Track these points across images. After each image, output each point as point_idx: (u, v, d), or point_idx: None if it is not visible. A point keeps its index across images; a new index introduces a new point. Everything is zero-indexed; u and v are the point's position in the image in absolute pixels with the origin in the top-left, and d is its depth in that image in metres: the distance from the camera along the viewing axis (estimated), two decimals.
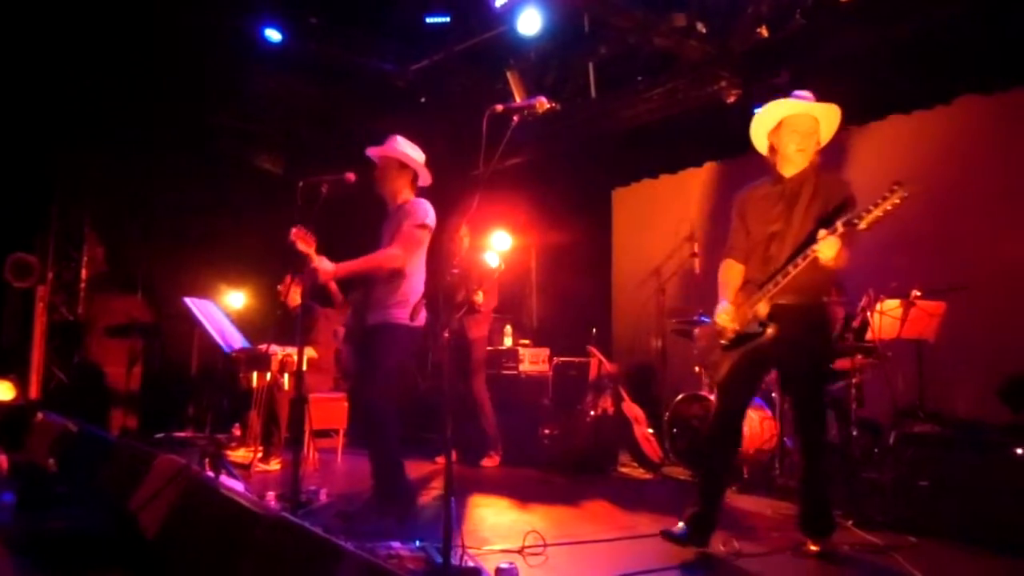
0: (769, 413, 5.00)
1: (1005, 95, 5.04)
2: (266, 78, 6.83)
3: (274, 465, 5.24)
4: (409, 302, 3.56)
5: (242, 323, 5.97)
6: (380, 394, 3.52)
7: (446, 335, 2.81)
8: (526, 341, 6.51)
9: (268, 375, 5.26)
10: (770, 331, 3.08)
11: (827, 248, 2.91)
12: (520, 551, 3.10)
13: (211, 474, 2.87)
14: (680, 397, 5.41)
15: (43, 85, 6.32)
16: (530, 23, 5.63)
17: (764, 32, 5.13)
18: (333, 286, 3.74)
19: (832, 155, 5.69)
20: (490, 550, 3.15)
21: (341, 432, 5.79)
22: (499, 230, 6.51)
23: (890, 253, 5.20)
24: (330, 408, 5.65)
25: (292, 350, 5.06)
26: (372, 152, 3.80)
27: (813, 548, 3.13)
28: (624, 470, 5.53)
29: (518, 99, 6.25)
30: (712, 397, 4.83)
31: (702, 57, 5.53)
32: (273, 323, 6.25)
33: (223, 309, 5.99)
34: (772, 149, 3.26)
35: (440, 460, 5.33)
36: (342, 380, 6.09)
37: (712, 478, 3.26)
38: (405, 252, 3.59)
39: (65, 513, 3.43)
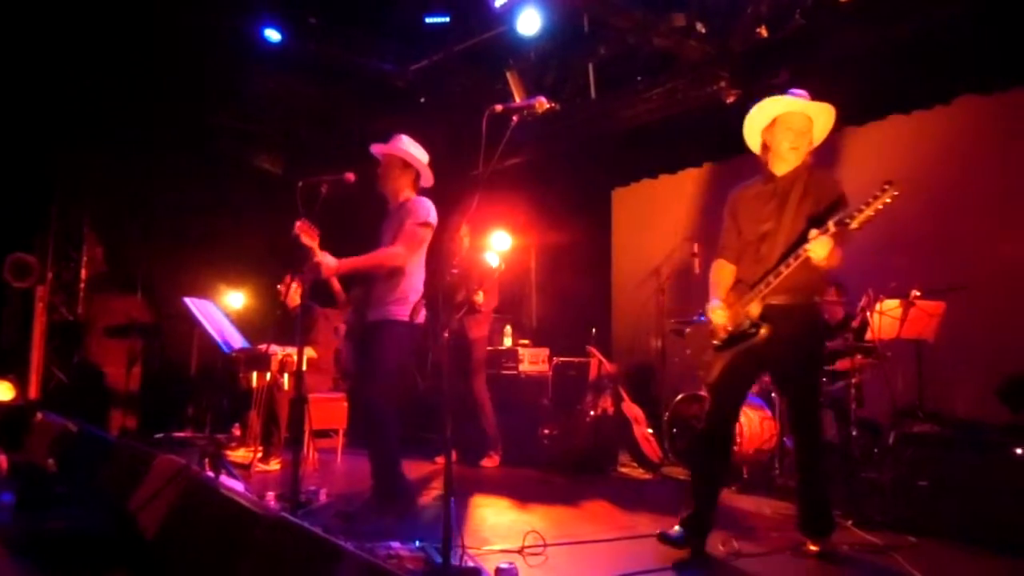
0: (769, 413, 5.00)
1: (1004, 95, 5.05)
2: (266, 78, 6.83)
3: (274, 465, 5.24)
4: (409, 300, 3.56)
5: (242, 323, 5.97)
6: (380, 392, 3.52)
7: (446, 335, 2.81)
8: (526, 341, 6.51)
9: (268, 375, 5.26)
10: (763, 332, 3.07)
11: (819, 248, 2.90)
12: (520, 551, 3.10)
13: (211, 474, 2.87)
14: (680, 397, 5.41)
15: (43, 85, 6.32)
16: (530, 23, 5.63)
17: (764, 32, 5.14)
18: (335, 283, 3.74)
19: (832, 155, 5.73)
20: (490, 550, 3.15)
21: (341, 432, 5.79)
22: (499, 230, 6.51)
23: (890, 253, 5.20)
24: (330, 408, 5.65)
25: (292, 350, 5.06)
26: (376, 149, 3.80)
27: (813, 548, 3.13)
28: (624, 470, 5.53)
29: (518, 99, 6.25)
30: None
31: (702, 57, 5.53)
32: (273, 323, 6.25)
33: (223, 309, 5.99)
34: (765, 147, 3.24)
35: (440, 460, 5.33)
36: (341, 380, 6.09)
37: (707, 479, 3.24)
38: (408, 250, 3.59)
39: (65, 513, 3.43)
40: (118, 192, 7.10)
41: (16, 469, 4.03)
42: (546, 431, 5.62)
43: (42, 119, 6.53)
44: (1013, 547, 3.19)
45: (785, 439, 4.56)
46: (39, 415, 4.15)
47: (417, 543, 2.87)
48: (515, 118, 2.71)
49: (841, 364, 4.60)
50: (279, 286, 5.86)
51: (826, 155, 5.70)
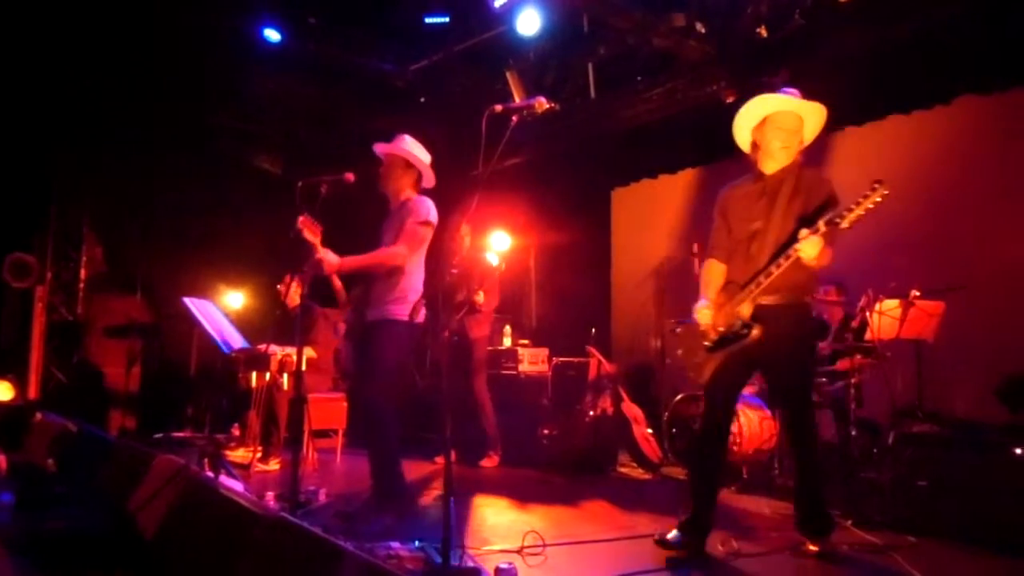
0: (768, 413, 5.00)
1: (1004, 95, 5.05)
2: (265, 78, 6.83)
3: (273, 465, 5.24)
4: (408, 299, 3.56)
5: (241, 323, 5.97)
6: (380, 392, 3.52)
7: (446, 334, 2.81)
8: (525, 341, 6.51)
9: (267, 375, 5.26)
10: (755, 332, 3.05)
11: (809, 247, 2.89)
12: (519, 551, 3.09)
13: (210, 474, 2.87)
14: (679, 397, 5.42)
15: (42, 85, 6.32)
16: (529, 23, 5.63)
17: (763, 32, 5.14)
18: (337, 282, 3.74)
19: (832, 155, 5.74)
20: (489, 550, 3.15)
21: (340, 432, 5.79)
22: (498, 230, 6.51)
23: (889, 253, 5.21)
24: (329, 408, 5.65)
25: (291, 350, 5.06)
26: (379, 149, 3.80)
27: (812, 548, 3.13)
28: (623, 470, 5.53)
29: (517, 99, 6.25)
30: None
31: (701, 57, 5.53)
32: (272, 323, 6.25)
33: (222, 309, 5.99)
34: (755, 145, 3.23)
35: (439, 460, 5.33)
36: (341, 380, 6.09)
37: (705, 480, 3.23)
38: (409, 250, 3.59)
39: (64, 513, 3.43)
40: (117, 192, 7.10)
41: (16, 469, 4.03)
42: (546, 431, 5.62)
43: (41, 119, 6.53)
44: (1012, 547, 3.19)
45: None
46: (38, 415, 4.15)
47: (417, 543, 2.87)
48: (515, 118, 2.71)
49: (841, 364, 4.60)
50: (279, 286, 5.86)
51: (826, 155, 5.74)
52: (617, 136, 6.77)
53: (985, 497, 3.37)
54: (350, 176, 3.38)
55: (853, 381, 4.23)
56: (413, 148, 3.76)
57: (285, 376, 5.23)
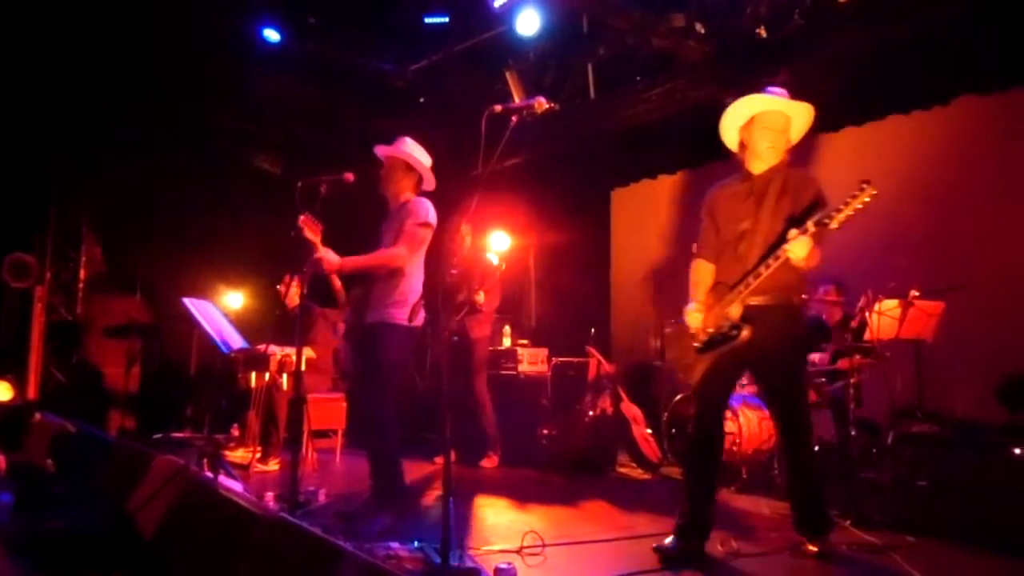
0: (767, 413, 5.00)
1: (1003, 95, 5.05)
2: (265, 78, 6.83)
3: (272, 465, 5.24)
4: (408, 301, 3.56)
5: (241, 323, 5.97)
6: (380, 396, 3.52)
7: (448, 335, 2.81)
8: (525, 341, 6.51)
9: (267, 375, 5.26)
10: (745, 333, 3.04)
11: (798, 248, 2.89)
12: (518, 551, 3.10)
13: (209, 474, 2.87)
14: (679, 397, 5.41)
15: (42, 85, 6.32)
16: (529, 23, 5.63)
17: (763, 32, 5.14)
18: (337, 282, 3.73)
19: (832, 155, 5.74)
20: (488, 550, 3.15)
21: (340, 432, 5.79)
22: (498, 230, 6.51)
23: (888, 253, 5.21)
24: (328, 408, 5.65)
25: (291, 350, 5.06)
26: (380, 151, 3.80)
27: (812, 548, 3.12)
28: (623, 470, 5.54)
29: (517, 99, 6.25)
30: None
31: (701, 58, 5.53)
32: (271, 323, 6.25)
33: (222, 309, 5.99)
34: (742, 145, 3.23)
35: (439, 460, 5.33)
36: (340, 380, 6.09)
37: (700, 482, 3.20)
38: (409, 251, 3.59)
39: (63, 513, 3.43)
40: (117, 192, 7.09)
41: (15, 469, 4.03)
42: (545, 431, 5.62)
43: (41, 119, 6.52)
44: (1011, 547, 3.19)
45: None
46: (38, 415, 4.15)
47: (416, 543, 2.87)
48: (514, 118, 2.70)
49: (840, 364, 4.61)
50: (279, 286, 5.86)
51: (825, 155, 5.74)
52: (616, 136, 6.77)
53: (984, 497, 3.37)
54: (350, 176, 3.38)
55: (852, 381, 4.23)
56: (414, 151, 3.75)
57: (284, 376, 5.23)
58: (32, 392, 6.48)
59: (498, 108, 2.69)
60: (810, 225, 2.88)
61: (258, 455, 5.22)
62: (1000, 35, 4.70)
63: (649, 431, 5.60)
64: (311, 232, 3.41)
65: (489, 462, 5.57)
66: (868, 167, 5.45)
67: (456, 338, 5.50)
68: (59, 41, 6.05)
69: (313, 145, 7.77)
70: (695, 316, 3.19)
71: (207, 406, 6.78)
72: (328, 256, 3.41)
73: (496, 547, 3.20)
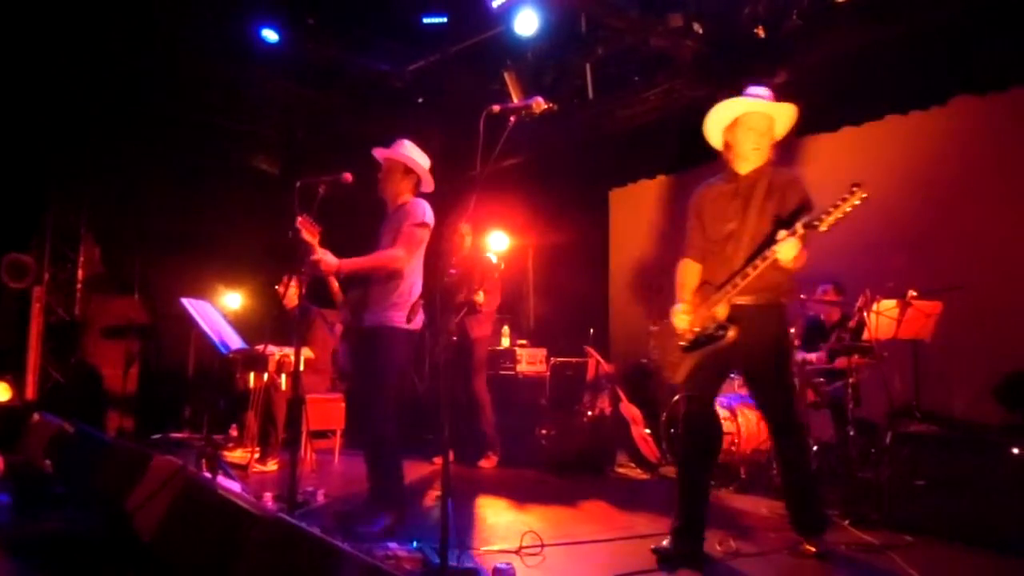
0: None
1: (1000, 95, 5.06)
2: (263, 79, 6.83)
3: (271, 466, 5.24)
4: (406, 304, 3.55)
5: (239, 324, 5.96)
6: (379, 398, 3.51)
7: (448, 336, 2.80)
8: (523, 341, 6.51)
9: (265, 376, 5.26)
10: (731, 334, 3.04)
11: (787, 250, 2.89)
12: (517, 551, 3.10)
13: (208, 475, 2.87)
14: (677, 397, 5.39)
15: (40, 85, 6.31)
16: (527, 24, 5.64)
17: (761, 32, 5.14)
18: (335, 284, 3.73)
19: (831, 155, 5.75)
20: (487, 550, 3.16)
21: (338, 433, 5.79)
22: (496, 230, 6.51)
23: (887, 253, 5.22)
24: (327, 409, 5.65)
25: (289, 350, 5.06)
26: (379, 153, 3.79)
27: (810, 548, 3.13)
28: (621, 470, 5.54)
29: (515, 99, 6.25)
30: None
31: (699, 58, 5.53)
32: (270, 324, 6.24)
33: (220, 310, 5.98)
34: (727, 146, 3.24)
35: (438, 461, 5.32)
36: (339, 380, 6.09)
37: (693, 484, 3.18)
38: (408, 252, 3.58)
39: (61, 514, 3.42)
40: (115, 193, 7.09)
41: (13, 470, 4.01)
42: (544, 431, 5.62)
43: (39, 119, 6.52)
44: (1009, 546, 3.19)
45: None
46: (36, 416, 4.14)
47: (415, 543, 2.87)
48: (512, 118, 2.70)
49: (838, 363, 4.61)
50: (277, 286, 5.85)
51: (824, 155, 5.74)
52: (615, 136, 6.77)
53: (983, 497, 3.38)
54: (348, 177, 3.38)
55: (851, 381, 4.24)
56: (412, 153, 3.75)
57: (283, 377, 5.23)
58: (30, 392, 6.47)
59: (496, 108, 2.69)
60: (799, 227, 2.88)
61: (256, 455, 5.22)
62: (996, 35, 4.71)
63: (648, 431, 5.60)
64: (308, 234, 3.41)
65: (488, 462, 5.57)
66: (866, 167, 5.45)
67: (456, 338, 5.50)
68: (57, 41, 6.04)
69: (311, 145, 7.76)
70: (682, 316, 3.19)
71: (205, 406, 6.78)
72: (326, 258, 3.41)
73: (495, 547, 3.20)
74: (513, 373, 6.04)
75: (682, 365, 3.20)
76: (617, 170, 7.85)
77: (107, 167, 6.95)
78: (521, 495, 4.51)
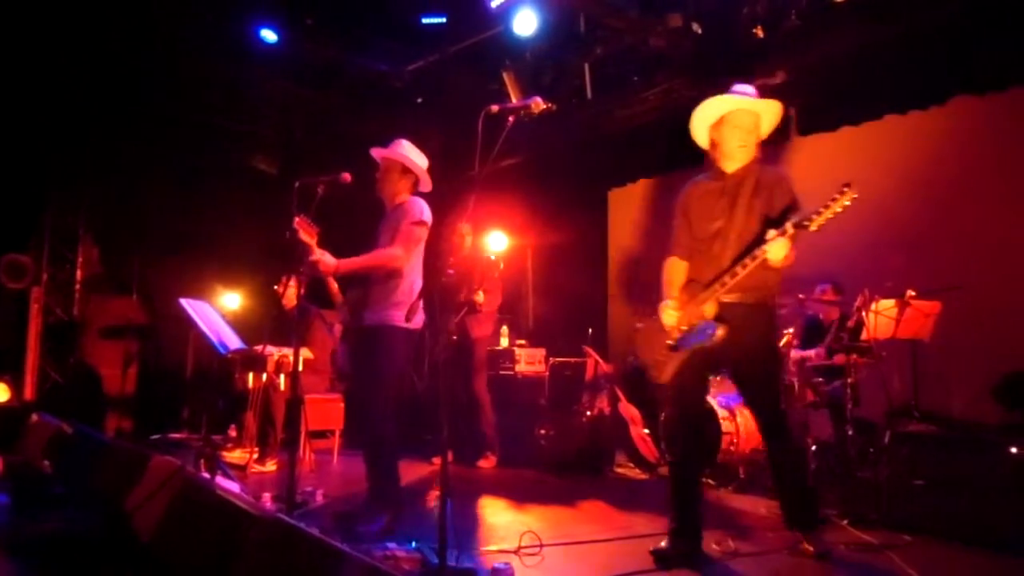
0: None
1: (999, 95, 5.06)
2: (261, 79, 6.83)
3: (270, 466, 5.23)
4: (405, 303, 3.55)
5: (238, 324, 5.96)
6: (378, 398, 3.51)
7: (448, 335, 2.80)
8: (522, 341, 6.51)
9: (264, 376, 5.26)
10: (720, 332, 3.02)
11: (777, 249, 2.88)
12: (516, 551, 3.10)
13: (207, 475, 2.87)
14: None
15: (38, 85, 6.31)
16: (526, 24, 5.64)
17: (759, 32, 5.14)
18: (333, 284, 3.73)
19: (830, 155, 5.75)
20: (486, 550, 3.16)
21: (337, 433, 5.79)
22: (495, 230, 6.50)
23: (885, 253, 5.22)
24: (326, 409, 5.65)
25: (288, 351, 5.06)
26: (376, 153, 3.79)
27: (808, 548, 3.12)
28: (620, 470, 5.54)
29: (514, 99, 6.25)
30: (710, 399, 4.84)
31: (698, 58, 5.53)
32: (269, 324, 6.24)
33: (219, 310, 5.98)
34: (713, 144, 3.24)
35: (437, 461, 5.32)
36: (338, 381, 6.08)
37: (686, 483, 3.17)
38: (406, 251, 3.58)
39: (60, 515, 3.42)
40: (113, 193, 7.08)
41: (12, 470, 4.01)
42: (543, 431, 5.62)
43: (37, 119, 6.51)
44: (1008, 545, 3.20)
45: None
46: (34, 416, 4.13)
47: (413, 543, 2.87)
48: (511, 118, 2.70)
49: (836, 360, 4.61)
50: (276, 287, 5.85)
51: (823, 155, 5.74)
52: (614, 136, 6.77)
53: (981, 496, 3.38)
54: (347, 177, 3.37)
55: (849, 381, 4.24)
56: (410, 153, 3.75)
57: (282, 377, 5.23)
58: (29, 393, 6.46)
59: (495, 108, 2.69)
60: (789, 227, 2.88)
61: (255, 456, 5.22)
62: (995, 35, 4.71)
63: (647, 431, 5.60)
64: (306, 234, 3.41)
65: (487, 462, 5.57)
66: (865, 167, 5.46)
67: (456, 338, 5.50)
68: (57, 41, 6.04)
69: (310, 145, 7.76)
70: (671, 312, 3.17)
71: (204, 407, 6.78)
72: (324, 258, 3.41)
73: (494, 547, 3.21)
74: (512, 373, 6.03)
75: (669, 364, 3.18)
76: (616, 170, 7.85)
77: (106, 167, 6.94)
78: (520, 495, 4.51)
